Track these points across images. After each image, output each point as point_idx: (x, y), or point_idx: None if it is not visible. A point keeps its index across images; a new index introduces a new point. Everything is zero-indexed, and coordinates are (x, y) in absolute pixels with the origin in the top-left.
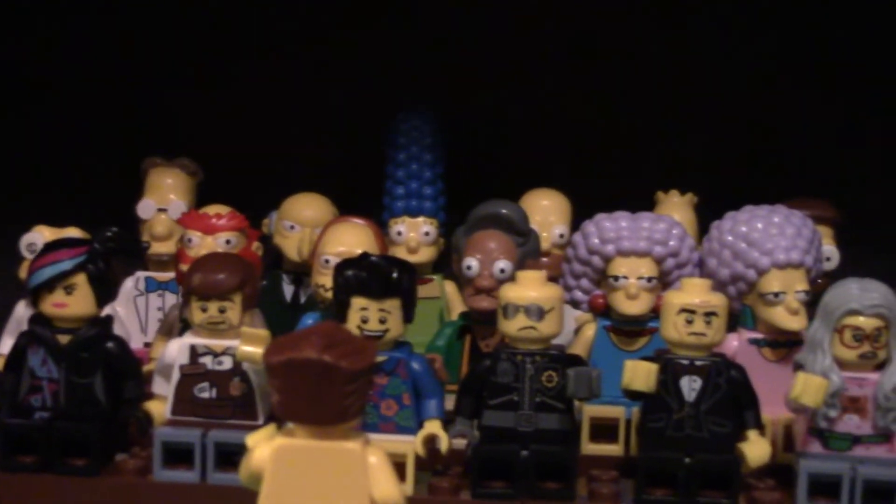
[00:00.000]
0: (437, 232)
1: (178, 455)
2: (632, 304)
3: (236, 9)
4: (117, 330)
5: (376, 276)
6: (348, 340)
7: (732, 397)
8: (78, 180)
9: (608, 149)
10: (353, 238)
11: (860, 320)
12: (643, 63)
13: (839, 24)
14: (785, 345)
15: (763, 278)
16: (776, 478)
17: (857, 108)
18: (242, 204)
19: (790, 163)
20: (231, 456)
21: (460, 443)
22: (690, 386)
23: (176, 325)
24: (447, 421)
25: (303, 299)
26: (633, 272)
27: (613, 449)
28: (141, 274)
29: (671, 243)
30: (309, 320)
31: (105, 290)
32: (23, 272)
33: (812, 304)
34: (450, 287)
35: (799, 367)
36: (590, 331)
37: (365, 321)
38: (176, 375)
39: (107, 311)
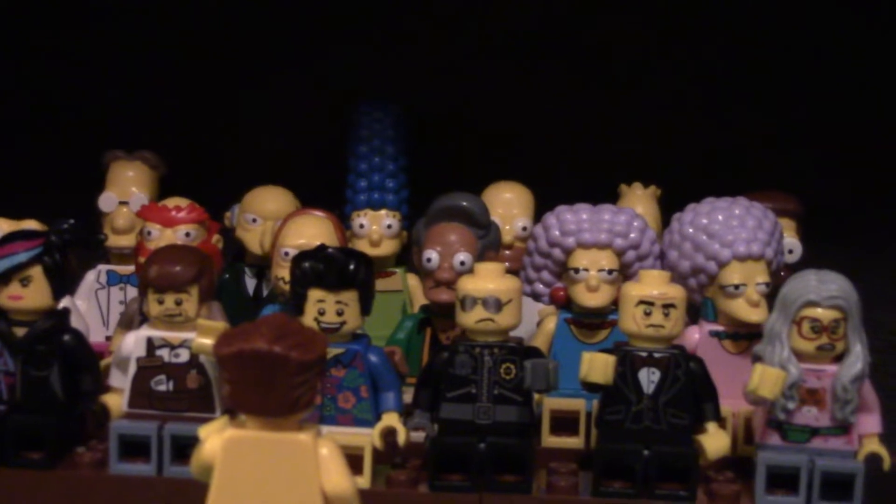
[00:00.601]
0: (400, 225)
1: (134, 448)
2: (592, 297)
3: (197, 1)
4: (76, 323)
5: (333, 268)
6: (299, 331)
7: (691, 389)
8: (39, 173)
9: (572, 141)
10: (312, 230)
11: (818, 312)
12: (606, 55)
13: (796, 16)
14: (746, 337)
15: (724, 270)
16: (736, 470)
17: (819, 100)
18: (205, 197)
19: (752, 155)
20: (188, 449)
21: (419, 436)
22: (649, 378)
23: (135, 318)
24: (406, 414)
25: (265, 292)
26: (593, 264)
27: (574, 442)
28: (102, 267)
29: (632, 235)
30: (268, 313)
31: (61, 283)
32: None
33: (772, 296)
34: (412, 280)
35: (757, 358)
36: (550, 323)
37: (322, 313)
38: (133, 368)
39: (66, 303)
